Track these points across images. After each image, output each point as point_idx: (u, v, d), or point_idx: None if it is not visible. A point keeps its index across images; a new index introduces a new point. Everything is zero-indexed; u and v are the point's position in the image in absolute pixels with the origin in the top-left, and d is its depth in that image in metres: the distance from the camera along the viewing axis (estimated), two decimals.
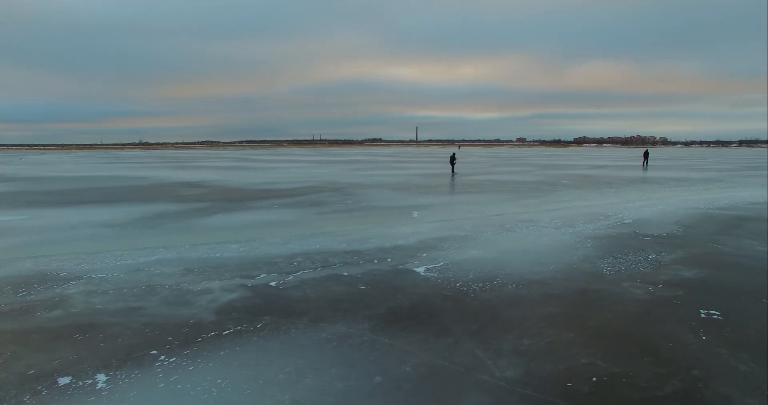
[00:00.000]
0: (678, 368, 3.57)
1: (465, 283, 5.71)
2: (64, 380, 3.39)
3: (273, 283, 5.66)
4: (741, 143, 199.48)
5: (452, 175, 24.28)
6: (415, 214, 11.23)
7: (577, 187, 18.04)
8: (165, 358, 3.67)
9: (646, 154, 35.15)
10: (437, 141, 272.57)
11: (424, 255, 7.13)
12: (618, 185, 18.67)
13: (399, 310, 4.81)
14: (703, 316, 4.66)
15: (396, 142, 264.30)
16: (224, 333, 4.16)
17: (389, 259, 6.85)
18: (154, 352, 3.78)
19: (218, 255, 7.02)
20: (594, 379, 3.38)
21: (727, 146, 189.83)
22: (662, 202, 13.32)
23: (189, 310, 4.75)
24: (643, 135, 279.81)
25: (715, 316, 4.64)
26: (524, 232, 8.91)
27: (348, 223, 9.85)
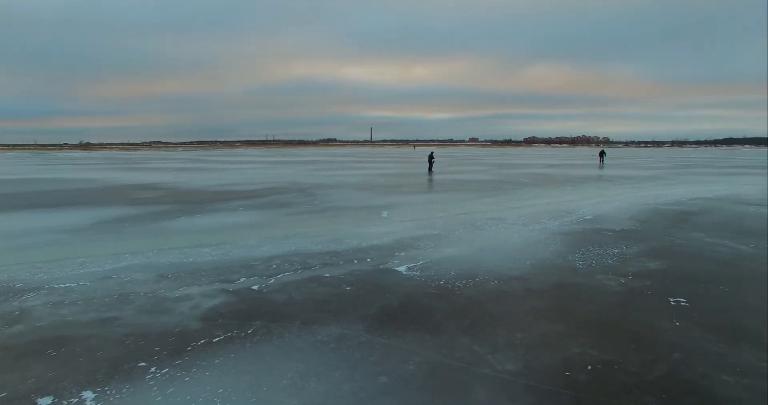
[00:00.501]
0: (660, 353, 3.80)
1: (448, 280, 5.79)
2: (44, 401, 3.13)
3: (255, 287, 5.49)
4: (673, 143, 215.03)
5: (430, 173, 25.25)
6: (385, 213, 11.26)
7: (535, 185, 18.74)
8: (156, 369, 3.48)
9: (602, 154, 37.38)
10: (392, 141, 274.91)
11: (402, 254, 7.16)
12: (573, 183, 19.58)
13: (389, 309, 4.81)
14: (672, 303, 4.99)
15: (351, 142, 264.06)
16: (214, 340, 4.00)
17: (368, 259, 6.83)
18: (143, 363, 3.58)
19: (191, 259, 6.73)
20: (589, 367, 3.53)
21: (660, 146, 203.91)
22: (615, 198, 14.11)
23: (171, 318, 4.53)
24: (588, 135, 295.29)
25: (683, 303, 4.98)
26: (494, 229, 9.15)
27: (319, 224, 9.73)
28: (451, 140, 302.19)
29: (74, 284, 5.59)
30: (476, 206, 12.48)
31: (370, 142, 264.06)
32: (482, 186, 18.44)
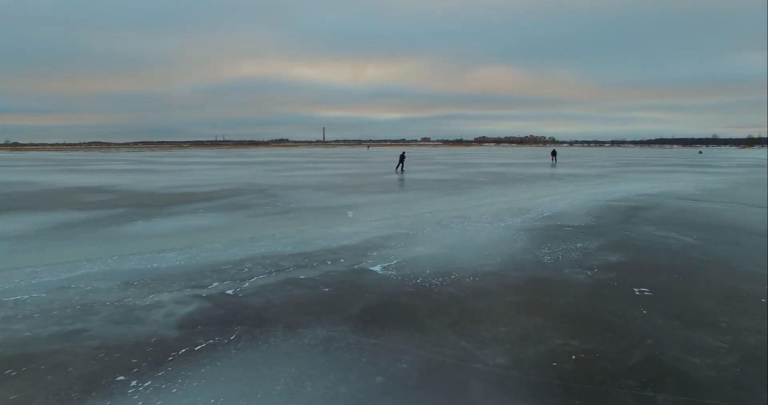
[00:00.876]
0: (634, 340, 4.04)
1: (425, 279, 5.85)
2: None
3: (230, 292, 5.30)
4: (612, 143, 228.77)
5: (401, 172, 26.34)
6: (350, 214, 11.21)
7: (492, 183, 19.32)
8: (137, 383, 3.28)
9: (554, 153, 39.45)
10: (344, 141, 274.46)
11: (375, 254, 7.16)
12: (527, 181, 20.35)
13: (371, 309, 4.80)
14: (637, 293, 5.30)
15: (303, 142, 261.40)
16: (196, 348, 3.82)
17: (342, 260, 6.78)
18: (122, 377, 3.36)
19: (155, 265, 6.39)
20: (573, 357, 3.69)
21: (602, 145, 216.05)
22: (569, 196, 14.80)
23: (144, 327, 4.28)
24: (536, 135, 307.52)
25: (647, 293, 5.31)
26: (461, 227, 9.35)
27: (285, 225, 9.53)
28: (403, 140, 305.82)
29: (26, 296, 5.15)
30: (439, 205, 12.68)
31: (323, 143, 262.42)
32: (441, 185, 18.77)
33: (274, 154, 73.00)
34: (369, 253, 7.16)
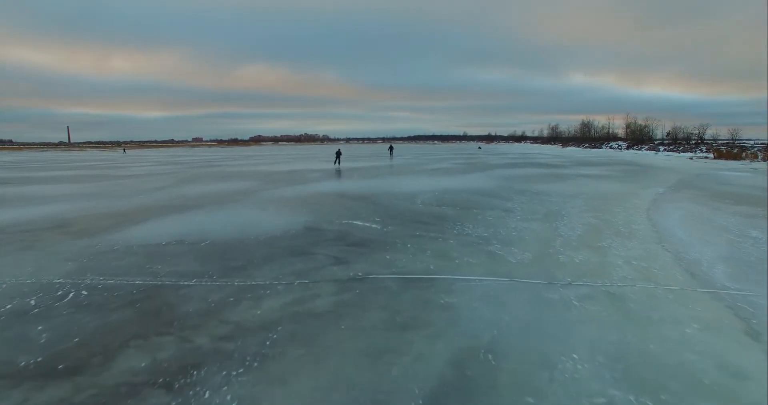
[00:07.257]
0: None
1: None
2: None
3: None
4: (384, 140, 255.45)
5: (336, 167, 27.57)
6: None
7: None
8: None
9: (391, 148, 40.73)
10: (98, 143, 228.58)
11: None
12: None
13: None
14: None
15: (39, 145, 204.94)
16: None
17: None
18: None
19: None
20: None
21: (375, 142, 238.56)
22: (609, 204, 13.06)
23: None
24: (310, 133, 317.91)
25: None
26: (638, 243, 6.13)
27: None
28: (172, 140, 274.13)
29: None
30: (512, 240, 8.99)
31: (68, 145, 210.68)
32: (350, 208, 14.45)
33: None
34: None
